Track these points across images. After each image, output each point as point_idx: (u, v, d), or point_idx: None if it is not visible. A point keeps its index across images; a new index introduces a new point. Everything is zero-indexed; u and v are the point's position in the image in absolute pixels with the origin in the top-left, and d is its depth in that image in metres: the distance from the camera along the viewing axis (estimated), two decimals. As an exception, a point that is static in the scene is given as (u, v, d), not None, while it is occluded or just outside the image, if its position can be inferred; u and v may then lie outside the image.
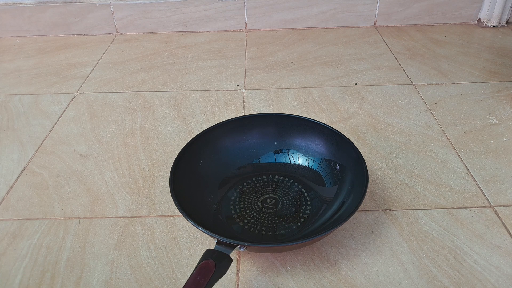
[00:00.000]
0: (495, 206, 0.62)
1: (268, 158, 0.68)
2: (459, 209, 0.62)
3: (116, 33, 1.25)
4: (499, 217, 0.60)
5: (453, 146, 0.74)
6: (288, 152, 0.68)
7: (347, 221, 0.49)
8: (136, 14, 1.22)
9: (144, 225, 0.61)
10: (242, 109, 0.87)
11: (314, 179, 0.64)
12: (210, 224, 0.56)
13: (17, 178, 0.70)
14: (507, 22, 1.22)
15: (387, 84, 0.94)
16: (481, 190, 0.65)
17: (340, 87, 0.94)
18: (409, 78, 0.96)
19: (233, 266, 0.54)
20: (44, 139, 0.79)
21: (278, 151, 0.68)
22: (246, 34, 1.23)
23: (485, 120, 0.81)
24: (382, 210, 0.62)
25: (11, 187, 0.68)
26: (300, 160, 0.67)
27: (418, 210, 0.62)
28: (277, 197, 0.62)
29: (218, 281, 0.45)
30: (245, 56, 1.09)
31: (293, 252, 0.56)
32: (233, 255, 0.48)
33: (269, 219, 0.59)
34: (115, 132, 0.81)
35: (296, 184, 0.64)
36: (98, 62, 1.09)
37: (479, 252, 0.55)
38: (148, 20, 1.23)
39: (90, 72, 1.04)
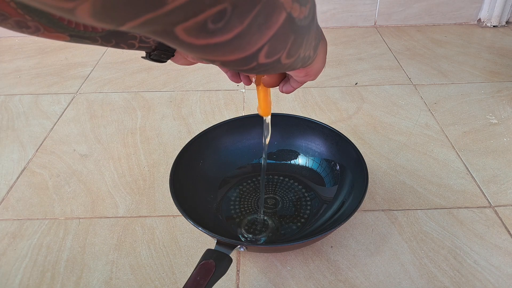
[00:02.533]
0: (495, 206, 0.62)
1: (268, 158, 0.68)
2: (459, 209, 0.62)
3: (116, 33, 1.25)
4: (499, 217, 0.60)
5: (453, 146, 0.74)
6: (288, 152, 0.68)
7: (347, 221, 0.49)
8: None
9: (144, 225, 0.61)
10: (242, 109, 0.87)
11: (314, 179, 0.64)
12: (210, 224, 0.56)
13: (17, 178, 0.70)
14: (507, 22, 1.22)
15: (387, 84, 0.94)
16: (481, 190, 0.65)
17: (340, 87, 0.94)
18: (409, 78, 0.96)
19: (233, 266, 0.54)
20: (44, 139, 0.79)
21: (278, 151, 0.68)
22: (246, 34, 1.22)
23: (485, 120, 0.81)
24: (382, 210, 0.62)
25: (11, 187, 0.68)
26: (300, 160, 0.67)
27: (418, 210, 0.62)
28: (277, 197, 0.62)
29: (218, 281, 0.45)
30: (245, 56, 1.09)
31: (293, 252, 0.56)
32: (233, 255, 0.48)
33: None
34: (115, 132, 0.81)
35: (296, 184, 0.64)
36: (98, 62, 1.09)
37: (479, 252, 0.55)
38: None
39: (90, 72, 1.04)
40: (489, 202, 0.63)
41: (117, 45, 0.37)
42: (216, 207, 0.60)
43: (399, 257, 0.55)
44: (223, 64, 0.24)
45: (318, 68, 0.38)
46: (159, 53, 0.40)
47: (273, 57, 0.25)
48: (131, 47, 0.38)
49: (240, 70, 0.26)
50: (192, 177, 0.60)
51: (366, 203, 0.63)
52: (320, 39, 0.34)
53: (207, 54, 0.21)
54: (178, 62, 0.45)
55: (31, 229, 0.61)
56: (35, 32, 0.31)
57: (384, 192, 0.65)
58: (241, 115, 0.83)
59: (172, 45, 0.20)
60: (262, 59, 0.24)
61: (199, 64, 1.05)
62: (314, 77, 0.39)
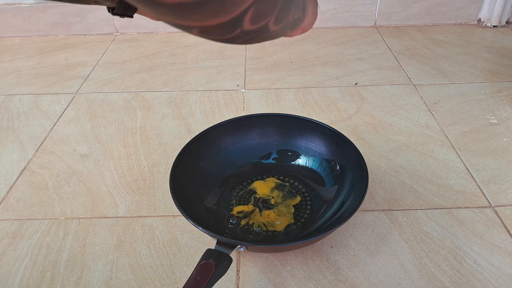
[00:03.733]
0: (495, 206, 0.62)
1: (268, 158, 0.68)
2: (459, 209, 0.62)
3: (116, 33, 1.26)
4: (499, 217, 0.60)
5: (453, 146, 0.74)
6: (288, 152, 0.68)
7: (347, 221, 0.49)
8: (135, 14, 1.22)
9: (144, 225, 0.61)
10: (242, 109, 0.87)
11: (314, 179, 0.64)
12: (210, 224, 0.56)
13: (17, 178, 0.70)
14: (507, 22, 1.22)
15: (387, 84, 0.94)
16: (481, 190, 0.65)
17: (340, 87, 0.94)
18: (409, 78, 0.96)
19: (233, 266, 0.54)
20: (44, 139, 0.79)
21: (278, 151, 0.68)
22: (246, 34, 1.22)
23: (485, 120, 0.81)
24: (382, 210, 0.62)
25: (11, 187, 0.68)
26: (300, 160, 0.67)
27: (418, 210, 0.62)
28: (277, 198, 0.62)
29: (218, 281, 0.45)
30: (245, 56, 1.09)
31: (293, 252, 0.56)
32: (233, 255, 0.48)
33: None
34: (115, 132, 0.81)
35: (296, 184, 0.64)
36: (98, 62, 1.09)
37: (479, 252, 0.55)
38: (148, 20, 1.23)
39: (90, 72, 1.04)
40: (489, 202, 0.63)
41: (69, 2, 0.33)
42: (216, 207, 0.60)
43: (399, 257, 0.55)
44: (203, 32, 0.21)
45: (312, 21, 0.35)
46: (120, 8, 0.34)
47: (260, 23, 0.22)
48: (86, 4, 0.34)
49: (223, 40, 0.23)
50: (192, 177, 0.60)
51: (366, 203, 0.63)
52: None
53: (183, 17, 0.19)
54: (146, 15, 0.38)
55: (31, 229, 0.61)
56: None
57: (384, 192, 0.65)
58: (241, 115, 0.83)
59: (143, 5, 0.18)
60: (247, 25, 0.21)
61: (199, 64, 1.05)
62: (310, 28, 0.36)
